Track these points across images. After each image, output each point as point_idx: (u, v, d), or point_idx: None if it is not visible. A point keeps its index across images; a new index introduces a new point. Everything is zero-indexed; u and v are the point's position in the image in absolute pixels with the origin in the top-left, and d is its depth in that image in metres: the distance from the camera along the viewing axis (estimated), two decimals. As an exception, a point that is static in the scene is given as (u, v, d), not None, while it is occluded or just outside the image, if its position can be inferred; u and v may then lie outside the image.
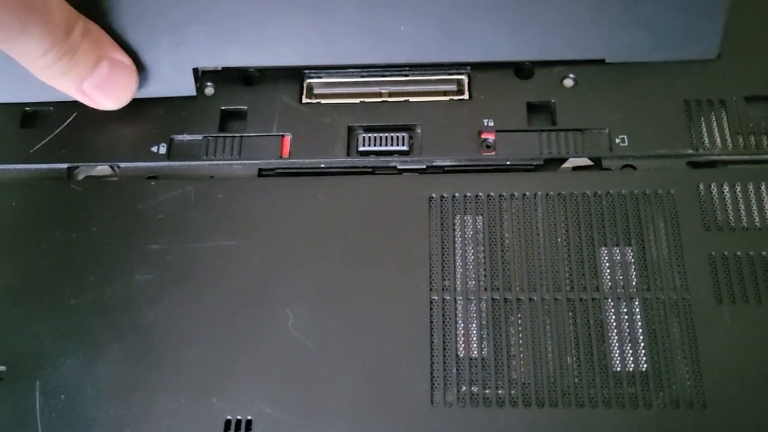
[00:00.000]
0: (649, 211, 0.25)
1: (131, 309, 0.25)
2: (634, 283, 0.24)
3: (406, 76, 0.29)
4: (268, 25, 0.27)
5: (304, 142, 0.28)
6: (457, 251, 0.25)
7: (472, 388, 0.23)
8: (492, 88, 0.28)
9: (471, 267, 0.25)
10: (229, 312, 0.25)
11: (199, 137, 0.28)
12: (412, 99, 0.28)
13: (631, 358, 0.23)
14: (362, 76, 0.29)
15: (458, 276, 0.25)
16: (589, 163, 0.27)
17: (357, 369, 0.23)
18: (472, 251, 0.25)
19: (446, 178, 0.27)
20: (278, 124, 0.28)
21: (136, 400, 0.23)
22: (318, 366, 0.24)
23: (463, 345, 0.24)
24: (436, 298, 0.24)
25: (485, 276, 0.25)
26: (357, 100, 0.29)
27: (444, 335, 0.24)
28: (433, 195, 0.26)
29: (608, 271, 0.25)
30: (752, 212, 0.25)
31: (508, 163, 0.27)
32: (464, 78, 0.29)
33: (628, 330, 0.24)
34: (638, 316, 0.24)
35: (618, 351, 0.24)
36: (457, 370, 0.23)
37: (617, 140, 0.27)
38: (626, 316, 0.24)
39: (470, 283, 0.25)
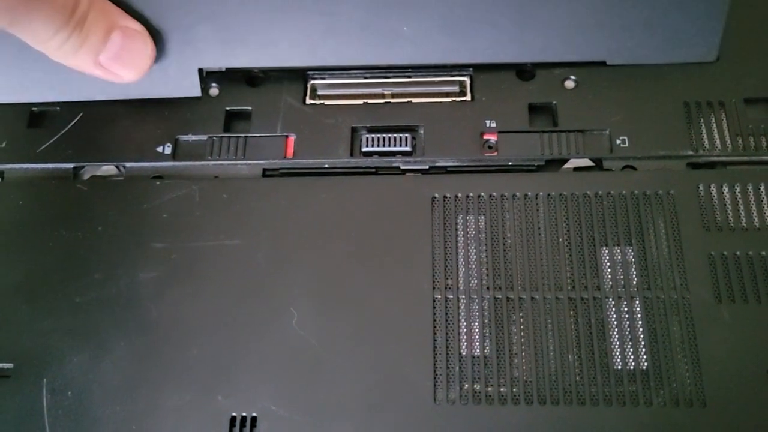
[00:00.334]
0: (649, 211, 0.26)
1: (137, 307, 0.25)
2: (634, 282, 0.25)
3: (409, 77, 0.29)
4: (273, 27, 0.27)
5: (308, 142, 0.28)
6: (459, 251, 0.25)
7: (475, 386, 0.23)
8: (494, 89, 0.28)
9: (473, 266, 0.25)
10: (234, 310, 0.25)
11: (204, 137, 0.28)
12: (414, 100, 0.29)
13: (632, 357, 0.24)
14: (365, 78, 0.29)
15: (461, 275, 0.25)
16: (590, 163, 0.27)
17: (360, 367, 0.24)
18: (474, 251, 0.25)
19: (449, 178, 0.27)
20: (282, 125, 0.28)
21: (142, 397, 0.24)
22: (322, 364, 0.24)
23: (465, 343, 0.24)
24: (439, 296, 0.25)
25: (487, 275, 0.25)
26: (360, 101, 0.29)
27: (447, 333, 0.24)
28: (436, 195, 0.26)
29: (609, 270, 0.25)
30: (751, 213, 0.25)
31: (510, 163, 0.27)
32: (466, 79, 0.29)
33: (628, 329, 0.24)
34: (639, 315, 0.24)
35: (619, 349, 0.24)
36: (460, 367, 0.24)
37: (618, 141, 0.27)
38: (627, 315, 0.24)
39: (472, 282, 0.25)
